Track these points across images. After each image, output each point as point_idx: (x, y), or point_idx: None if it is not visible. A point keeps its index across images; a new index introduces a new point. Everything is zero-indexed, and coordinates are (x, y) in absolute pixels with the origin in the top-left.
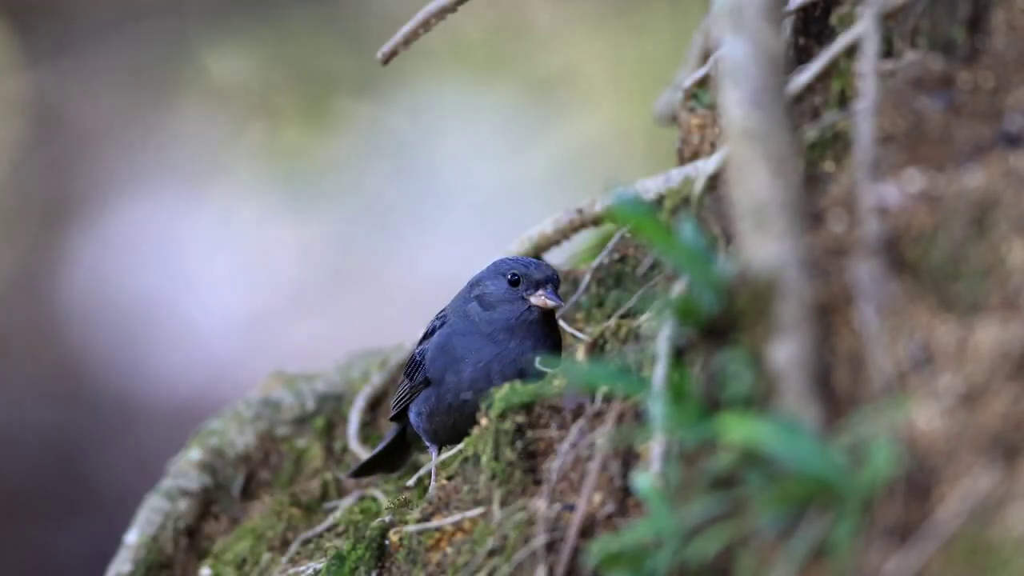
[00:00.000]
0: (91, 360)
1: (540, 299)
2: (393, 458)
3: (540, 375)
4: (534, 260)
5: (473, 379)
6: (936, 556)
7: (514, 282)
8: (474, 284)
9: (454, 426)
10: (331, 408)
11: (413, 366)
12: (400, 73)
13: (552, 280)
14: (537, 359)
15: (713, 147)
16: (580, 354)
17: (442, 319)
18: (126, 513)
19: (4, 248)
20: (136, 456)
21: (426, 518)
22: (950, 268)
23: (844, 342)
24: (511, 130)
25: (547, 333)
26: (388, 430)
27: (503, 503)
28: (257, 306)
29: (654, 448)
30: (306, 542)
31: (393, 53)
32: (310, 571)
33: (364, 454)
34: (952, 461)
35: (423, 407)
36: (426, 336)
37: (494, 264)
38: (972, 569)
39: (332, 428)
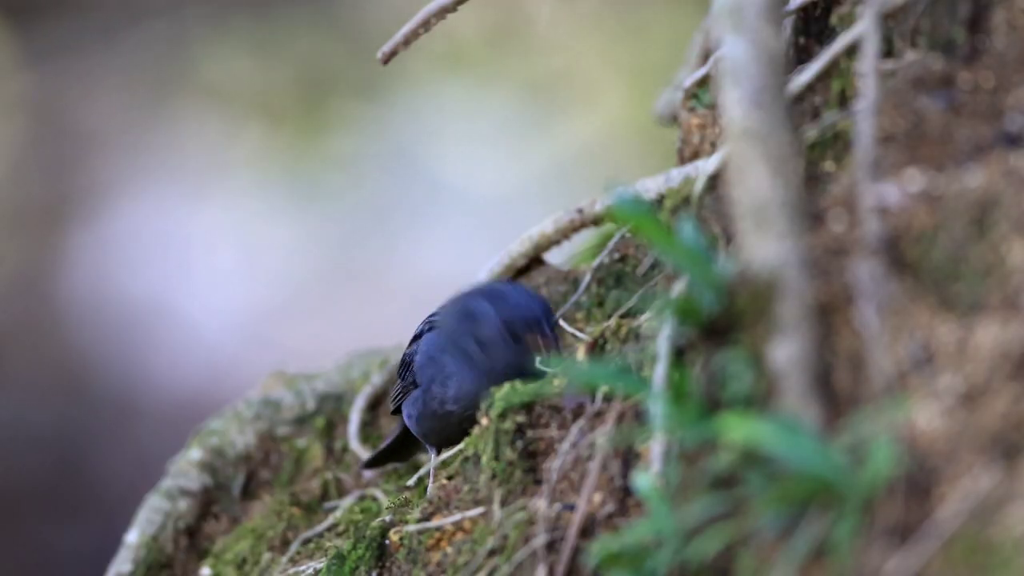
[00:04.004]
0: (91, 360)
1: (537, 344)
2: (403, 449)
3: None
4: (525, 301)
5: (458, 396)
6: (936, 556)
7: (515, 338)
8: (471, 318)
9: (440, 431)
10: (331, 408)
11: (403, 367)
12: (400, 73)
13: (545, 315)
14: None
15: (713, 147)
16: (580, 354)
17: (430, 324)
18: (126, 513)
19: (4, 248)
20: (136, 456)
21: (426, 518)
22: (950, 268)
23: (844, 342)
24: (511, 130)
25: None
26: (389, 430)
27: (503, 503)
28: (257, 306)
29: (654, 448)
30: (306, 542)
31: (393, 53)
32: (310, 571)
33: (365, 454)
34: (952, 461)
35: (412, 409)
36: (415, 338)
37: (494, 307)
38: (972, 569)
39: (332, 428)
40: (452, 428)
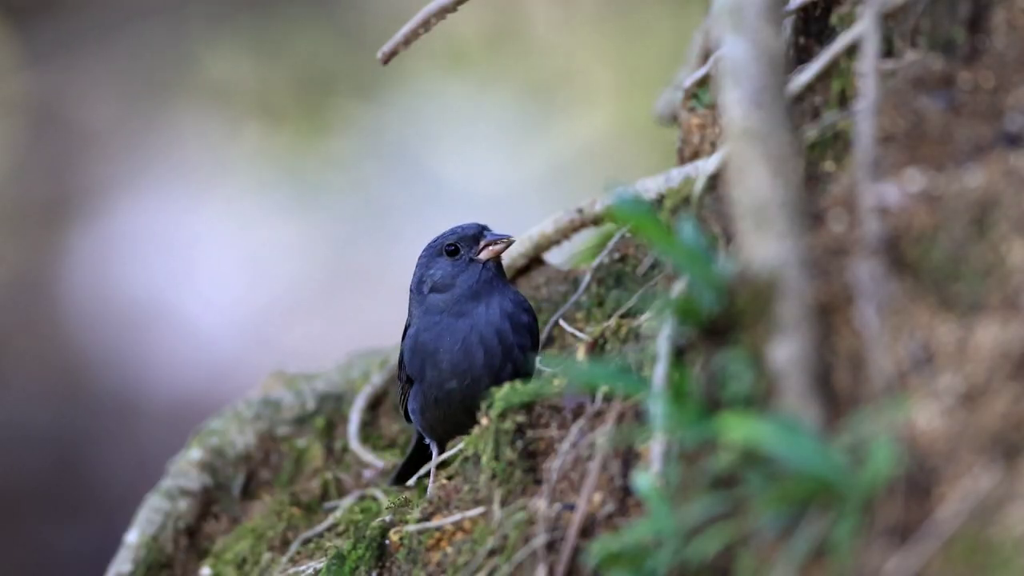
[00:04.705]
0: (91, 360)
1: (487, 250)
2: (424, 457)
3: (519, 333)
4: (457, 225)
5: (453, 365)
6: (936, 556)
7: (453, 252)
8: (421, 282)
9: (445, 419)
10: (331, 408)
11: (399, 364)
12: (400, 73)
13: (483, 228)
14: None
15: (713, 147)
16: (580, 354)
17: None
18: (126, 513)
19: (4, 248)
20: (136, 456)
21: (426, 518)
22: (950, 268)
23: (844, 342)
24: (511, 130)
25: (504, 286)
26: (388, 430)
27: (503, 503)
28: (257, 306)
29: (654, 448)
30: (306, 542)
31: (393, 53)
32: (310, 571)
33: (364, 454)
34: (952, 461)
35: (415, 404)
36: (405, 331)
37: (422, 255)
38: (972, 569)
39: (332, 428)
40: (457, 410)
